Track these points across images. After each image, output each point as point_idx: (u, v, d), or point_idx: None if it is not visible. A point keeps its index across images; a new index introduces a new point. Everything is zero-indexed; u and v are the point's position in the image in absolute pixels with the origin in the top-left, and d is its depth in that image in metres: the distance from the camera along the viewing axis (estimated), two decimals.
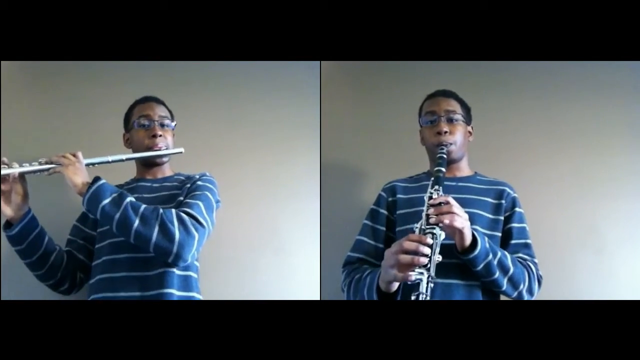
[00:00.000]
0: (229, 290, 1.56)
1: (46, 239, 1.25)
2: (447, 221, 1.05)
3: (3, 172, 1.14)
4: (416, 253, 1.01)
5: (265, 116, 1.76)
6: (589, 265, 1.60)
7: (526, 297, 1.17)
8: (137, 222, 1.10)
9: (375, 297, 1.10)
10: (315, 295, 1.58)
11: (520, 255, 1.22)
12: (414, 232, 1.08)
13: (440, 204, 1.08)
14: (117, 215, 1.10)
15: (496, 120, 1.75)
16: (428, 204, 1.10)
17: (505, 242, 1.24)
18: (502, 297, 1.23)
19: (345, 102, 1.85)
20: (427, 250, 1.01)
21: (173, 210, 1.14)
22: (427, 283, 1.00)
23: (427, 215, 1.08)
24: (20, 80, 1.68)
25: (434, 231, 1.05)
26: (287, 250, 1.65)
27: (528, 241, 1.26)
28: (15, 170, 1.16)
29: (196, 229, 1.13)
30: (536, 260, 1.24)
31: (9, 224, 1.21)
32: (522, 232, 1.26)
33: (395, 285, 1.08)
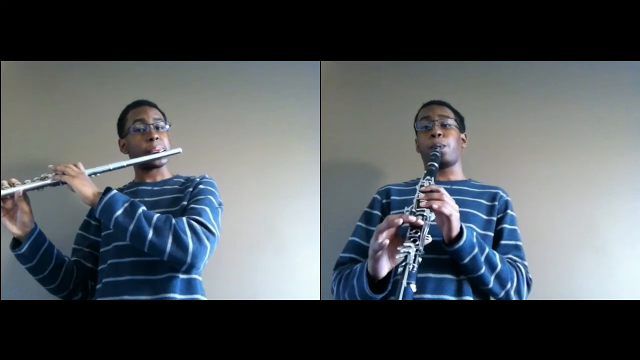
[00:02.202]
0: (229, 290, 1.56)
1: (55, 252, 1.25)
2: (435, 206, 1.05)
3: (7, 191, 1.15)
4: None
5: (265, 116, 1.76)
6: (588, 265, 1.59)
7: (514, 298, 1.16)
8: (151, 233, 1.11)
9: (365, 284, 1.08)
10: (315, 295, 1.58)
11: (510, 256, 1.22)
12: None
13: (431, 191, 1.10)
14: (131, 227, 1.11)
15: (495, 119, 1.76)
16: (420, 191, 1.12)
17: (495, 243, 1.25)
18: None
19: (345, 102, 1.85)
20: (414, 220, 1.02)
21: (184, 219, 1.15)
22: (415, 256, 0.99)
23: (418, 201, 1.09)
24: (20, 80, 1.68)
25: (424, 213, 1.06)
26: (288, 250, 1.65)
27: (519, 243, 1.26)
28: (19, 188, 1.16)
29: (207, 238, 1.14)
30: (526, 263, 1.23)
31: (17, 243, 1.21)
32: (513, 234, 1.26)
33: (385, 269, 1.07)
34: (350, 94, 1.87)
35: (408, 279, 0.96)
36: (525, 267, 1.21)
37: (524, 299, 1.19)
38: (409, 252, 0.99)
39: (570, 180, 1.67)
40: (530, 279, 1.21)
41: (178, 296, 1.16)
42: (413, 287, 0.95)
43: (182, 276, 1.18)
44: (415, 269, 0.98)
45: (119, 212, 1.12)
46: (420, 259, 1.00)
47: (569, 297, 1.54)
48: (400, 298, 0.93)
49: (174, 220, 1.13)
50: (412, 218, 1.04)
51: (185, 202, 1.24)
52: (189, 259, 1.11)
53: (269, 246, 1.65)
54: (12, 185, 1.16)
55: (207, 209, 1.20)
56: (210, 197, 1.25)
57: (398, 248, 1.01)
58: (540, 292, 1.22)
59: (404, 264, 0.98)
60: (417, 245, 1.01)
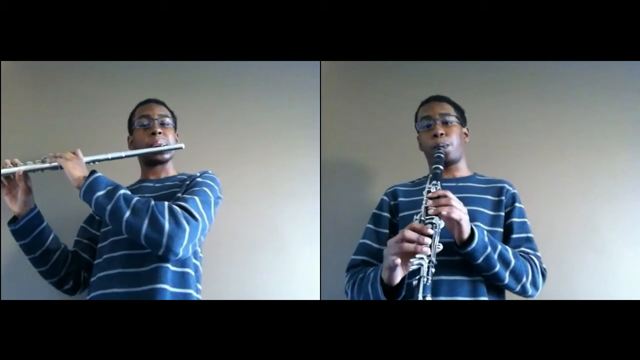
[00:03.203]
0: (229, 290, 1.56)
1: (51, 235, 1.28)
2: (444, 212, 1.06)
3: (9, 170, 1.20)
4: (418, 242, 1.03)
5: (265, 116, 1.76)
6: (588, 265, 1.59)
7: (530, 290, 1.18)
8: (127, 213, 1.10)
9: (379, 291, 1.09)
10: (315, 295, 1.58)
11: (523, 249, 1.23)
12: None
13: (438, 197, 1.10)
14: (109, 206, 1.11)
15: (496, 120, 1.76)
16: (427, 197, 1.12)
17: (506, 237, 1.25)
18: (507, 294, 1.23)
19: (345, 102, 1.85)
20: (427, 240, 1.03)
21: (165, 203, 1.14)
22: (429, 268, 1.01)
23: (427, 208, 1.10)
24: (20, 80, 1.68)
25: (434, 221, 1.06)
26: (288, 251, 1.65)
27: (530, 235, 1.26)
28: (20, 168, 1.21)
29: (187, 222, 1.12)
30: (539, 254, 1.24)
31: (14, 220, 1.25)
32: (523, 227, 1.27)
33: (399, 277, 1.08)
34: (350, 94, 1.87)
35: (423, 291, 0.98)
36: (538, 257, 1.23)
37: (540, 289, 1.20)
38: (422, 265, 1.01)
39: (570, 180, 1.67)
40: (544, 269, 1.22)
41: (169, 288, 1.15)
42: (429, 299, 0.97)
43: (172, 268, 1.17)
44: (429, 282, 0.99)
45: (101, 192, 1.13)
46: (433, 270, 1.01)
47: (569, 297, 1.54)
48: None
49: (153, 203, 1.12)
50: (427, 246, 1.03)
51: (180, 194, 1.24)
52: (164, 241, 1.08)
53: (269, 246, 1.65)
54: (14, 165, 1.22)
55: (197, 198, 1.19)
56: (205, 189, 1.24)
57: (411, 260, 1.02)
58: (540, 291, 1.22)
59: (418, 277, 1.00)
60: (430, 256, 1.02)
